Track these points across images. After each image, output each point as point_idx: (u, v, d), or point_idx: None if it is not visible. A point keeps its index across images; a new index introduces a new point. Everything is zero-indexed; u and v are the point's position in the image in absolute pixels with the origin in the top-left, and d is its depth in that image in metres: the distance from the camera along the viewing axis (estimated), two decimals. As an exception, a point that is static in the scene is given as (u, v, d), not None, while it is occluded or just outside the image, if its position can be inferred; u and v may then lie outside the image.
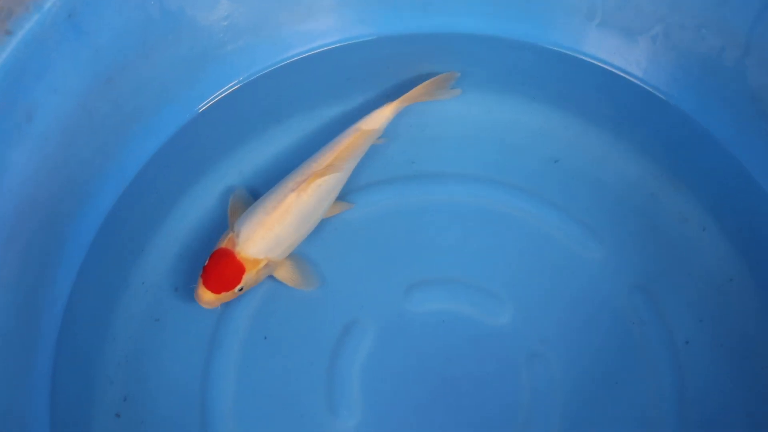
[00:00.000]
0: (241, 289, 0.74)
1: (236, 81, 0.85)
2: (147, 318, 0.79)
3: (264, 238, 0.74)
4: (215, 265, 0.73)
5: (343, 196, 0.82)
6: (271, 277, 0.79)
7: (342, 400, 0.77)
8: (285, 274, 0.78)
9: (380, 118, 0.81)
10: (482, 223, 0.84)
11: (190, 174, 0.84)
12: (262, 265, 0.74)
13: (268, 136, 0.86)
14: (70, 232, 0.75)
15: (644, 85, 0.87)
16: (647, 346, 0.79)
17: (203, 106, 0.84)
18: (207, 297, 0.73)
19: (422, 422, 0.77)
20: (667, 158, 0.86)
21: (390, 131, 0.85)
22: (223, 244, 0.74)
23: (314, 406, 0.77)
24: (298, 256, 0.79)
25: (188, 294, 0.79)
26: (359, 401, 0.77)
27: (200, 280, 0.73)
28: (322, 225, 0.82)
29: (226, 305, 0.79)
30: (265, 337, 0.78)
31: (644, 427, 0.76)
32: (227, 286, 0.73)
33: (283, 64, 0.86)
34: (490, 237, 0.84)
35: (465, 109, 0.88)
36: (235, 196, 0.79)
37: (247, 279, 0.74)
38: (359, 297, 0.81)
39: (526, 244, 0.83)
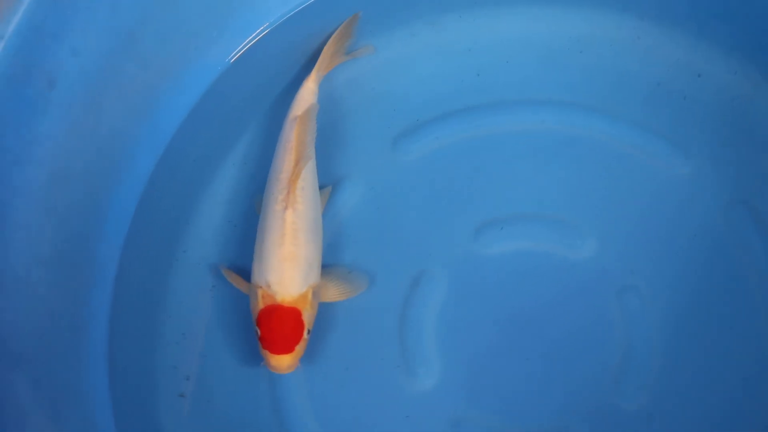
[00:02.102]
0: (309, 332, 0.68)
1: (266, 25, 0.78)
2: (200, 290, 0.74)
3: (294, 268, 0.67)
4: (271, 327, 0.66)
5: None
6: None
7: (418, 359, 0.73)
8: (332, 293, 0.72)
9: (306, 98, 0.74)
10: (553, 150, 0.78)
11: (229, 130, 0.78)
12: (309, 296, 0.68)
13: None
14: (109, 205, 0.71)
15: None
16: (754, 268, 0.73)
17: (234, 56, 0.78)
18: (284, 362, 0.66)
19: (508, 375, 0.72)
20: (760, 55, 0.78)
21: (434, 60, 0.78)
22: (261, 304, 0.67)
23: (389, 369, 0.72)
24: (330, 269, 0.73)
25: (239, 260, 0.73)
26: (437, 358, 0.73)
27: (266, 353, 0.66)
28: (373, 180, 0.77)
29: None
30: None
31: (762, 362, 0.70)
32: (296, 337, 0.66)
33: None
34: (563, 165, 0.77)
35: (525, 27, 0.80)
36: (226, 270, 0.73)
37: (307, 318, 0.67)
38: (425, 245, 0.75)
39: (604, 168, 0.77)
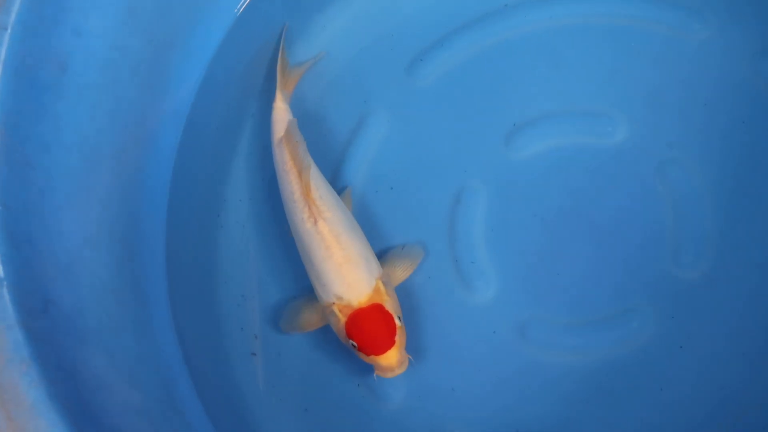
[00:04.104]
0: (401, 319, 0.67)
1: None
2: (246, 251, 0.75)
3: (354, 270, 0.66)
4: (363, 331, 0.65)
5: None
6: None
7: (474, 273, 0.73)
8: (399, 274, 0.71)
9: (281, 118, 0.72)
10: (568, 44, 0.77)
11: (249, 89, 0.78)
12: (381, 287, 0.67)
13: (316, 24, 0.79)
14: (145, 181, 0.71)
15: None
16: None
17: (241, 7, 0.77)
18: (393, 358, 0.65)
19: (564, 270, 0.72)
20: None
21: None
22: (342, 318, 0.65)
23: (448, 288, 0.73)
24: (385, 255, 0.72)
25: (275, 215, 0.74)
26: (492, 268, 0.73)
27: (372, 359, 0.65)
28: (395, 111, 0.77)
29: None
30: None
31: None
32: (391, 330, 0.65)
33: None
34: (580, 56, 0.76)
35: None
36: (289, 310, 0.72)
37: (391, 307, 0.66)
38: (460, 163, 0.75)
39: (621, 50, 0.76)
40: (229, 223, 0.75)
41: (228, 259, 0.75)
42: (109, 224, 0.64)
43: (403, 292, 0.71)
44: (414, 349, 0.70)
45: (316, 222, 0.67)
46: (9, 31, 0.54)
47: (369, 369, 0.68)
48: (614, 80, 0.75)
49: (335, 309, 0.66)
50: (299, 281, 0.73)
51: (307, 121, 0.76)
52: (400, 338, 0.65)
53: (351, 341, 0.65)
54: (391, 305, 0.66)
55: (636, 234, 0.72)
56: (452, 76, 0.77)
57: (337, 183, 0.75)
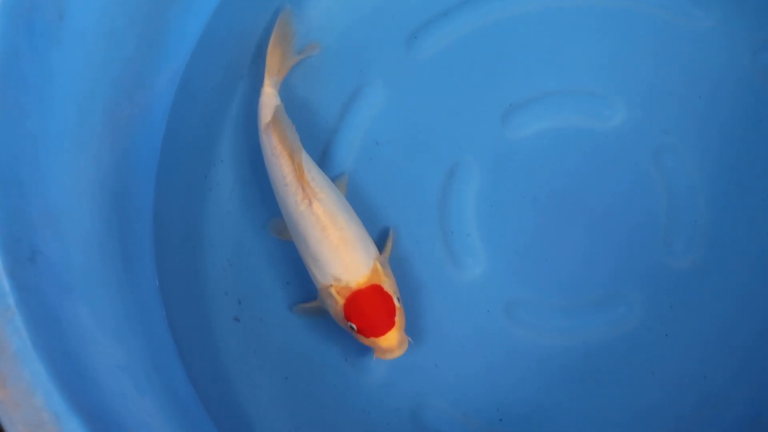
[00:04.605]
0: (399, 300, 0.65)
1: None
2: (235, 215, 0.74)
3: (352, 250, 0.65)
4: (362, 313, 0.63)
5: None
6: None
7: (463, 249, 0.72)
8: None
9: (269, 104, 0.71)
10: (570, 24, 0.76)
11: (246, 50, 0.77)
12: (379, 267, 0.65)
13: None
14: (136, 137, 0.69)
15: None
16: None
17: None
18: (393, 339, 0.63)
19: (555, 252, 0.72)
20: None
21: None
22: (340, 300, 0.64)
23: (437, 263, 0.72)
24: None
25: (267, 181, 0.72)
26: (481, 247, 0.72)
27: (371, 341, 0.64)
28: (393, 83, 0.76)
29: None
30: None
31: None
32: (390, 311, 0.64)
33: None
34: (582, 38, 0.76)
35: None
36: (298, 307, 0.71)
37: (390, 288, 0.65)
38: (455, 138, 0.75)
39: (622, 34, 0.76)
40: (218, 186, 0.75)
41: (216, 222, 0.74)
42: (100, 177, 0.63)
43: (391, 260, 0.70)
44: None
45: (310, 203, 0.65)
46: (4, -27, 0.53)
47: (351, 340, 0.68)
48: (615, 64, 0.75)
49: (332, 291, 0.65)
50: (285, 248, 0.72)
51: (301, 88, 0.75)
52: (399, 319, 0.64)
53: (350, 323, 0.64)
54: (389, 286, 0.65)
55: (629, 219, 0.72)
56: (453, 51, 0.76)
57: (330, 153, 0.75)
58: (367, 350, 0.68)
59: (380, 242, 0.71)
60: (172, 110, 0.73)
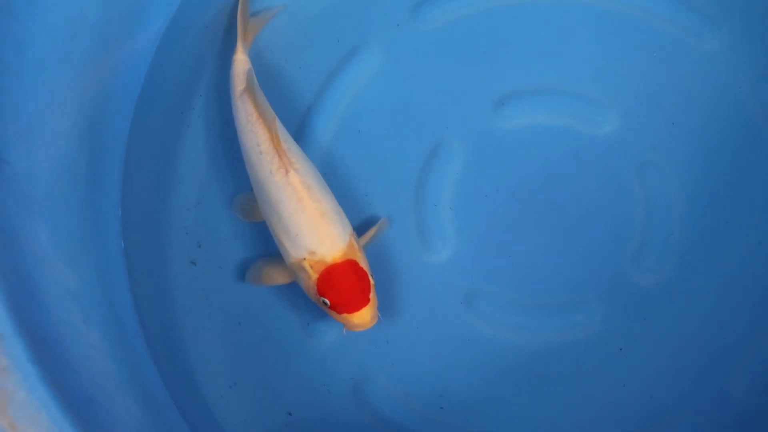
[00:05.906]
0: (372, 276, 0.64)
1: None
2: (212, 158, 0.72)
3: (329, 223, 0.63)
4: (338, 288, 0.61)
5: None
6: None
7: (434, 230, 0.72)
8: (367, 234, 0.69)
9: (241, 69, 0.68)
10: (578, 23, 0.75)
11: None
12: (354, 242, 0.64)
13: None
14: (123, 58, 0.68)
15: None
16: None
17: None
18: (367, 316, 0.62)
19: (523, 249, 0.71)
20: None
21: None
22: (314, 274, 0.62)
23: (405, 239, 0.71)
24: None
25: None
26: (452, 231, 0.72)
27: (344, 317, 0.62)
28: (391, 48, 0.75)
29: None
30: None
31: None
32: (366, 287, 0.62)
33: None
34: (587, 39, 0.75)
35: None
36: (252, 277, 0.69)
37: (364, 264, 0.63)
38: (443, 117, 0.73)
39: (629, 43, 0.74)
40: (195, 125, 0.73)
41: (188, 160, 0.72)
42: (79, 100, 0.61)
43: (360, 230, 0.70)
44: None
45: (287, 173, 0.63)
46: None
47: (307, 303, 0.67)
48: (614, 70, 0.74)
49: (305, 265, 0.63)
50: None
51: (297, 44, 0.74)
52: (373, 296, 0.63)
53: (323, 298, 0.62)
54: (363, 262, 0.63)
55: (601, 228, 0.71)
56: (457, 27, 0.75)
57: (312, 115, 0.73)
58: (321, 314, 0.67)
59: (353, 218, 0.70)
60: (164, 38, 0.71)
